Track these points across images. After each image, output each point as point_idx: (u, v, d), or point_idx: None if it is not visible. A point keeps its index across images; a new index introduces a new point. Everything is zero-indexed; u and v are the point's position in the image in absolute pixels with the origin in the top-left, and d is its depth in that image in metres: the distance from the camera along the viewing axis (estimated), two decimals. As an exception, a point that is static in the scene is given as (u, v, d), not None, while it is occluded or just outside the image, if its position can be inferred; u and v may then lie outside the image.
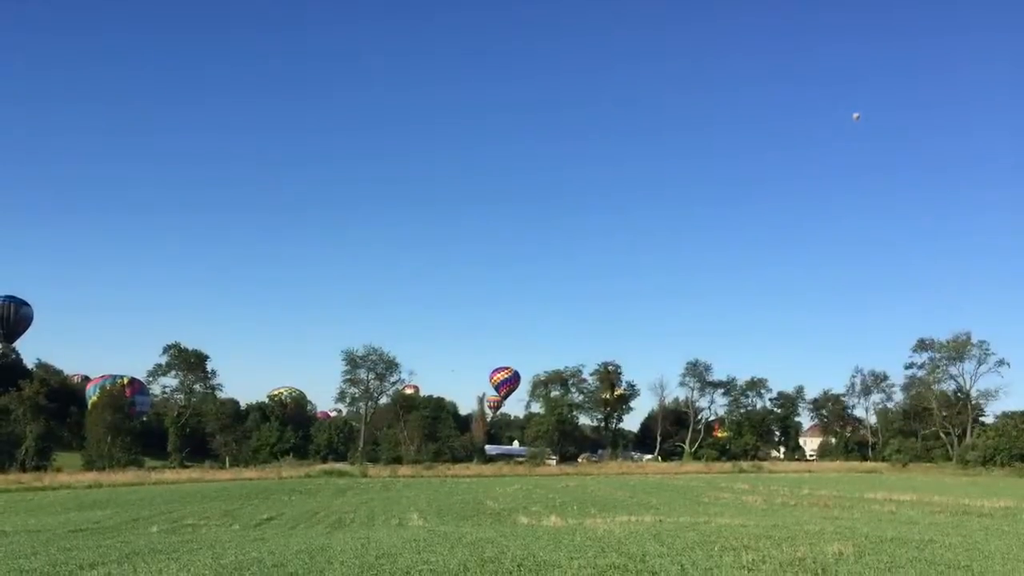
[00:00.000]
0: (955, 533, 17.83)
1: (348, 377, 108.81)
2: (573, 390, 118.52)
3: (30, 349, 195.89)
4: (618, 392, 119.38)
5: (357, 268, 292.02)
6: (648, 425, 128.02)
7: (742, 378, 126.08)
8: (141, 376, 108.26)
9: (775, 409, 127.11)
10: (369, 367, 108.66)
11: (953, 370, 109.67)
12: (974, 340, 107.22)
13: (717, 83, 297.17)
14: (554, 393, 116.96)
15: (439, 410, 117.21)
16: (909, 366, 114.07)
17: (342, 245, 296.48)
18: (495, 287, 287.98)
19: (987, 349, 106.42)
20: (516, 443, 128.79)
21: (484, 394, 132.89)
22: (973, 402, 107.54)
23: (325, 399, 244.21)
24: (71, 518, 33.21)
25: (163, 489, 56.97)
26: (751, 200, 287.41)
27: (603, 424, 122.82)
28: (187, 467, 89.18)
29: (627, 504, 34.43)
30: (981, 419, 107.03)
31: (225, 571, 11.65)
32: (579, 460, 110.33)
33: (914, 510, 27.85)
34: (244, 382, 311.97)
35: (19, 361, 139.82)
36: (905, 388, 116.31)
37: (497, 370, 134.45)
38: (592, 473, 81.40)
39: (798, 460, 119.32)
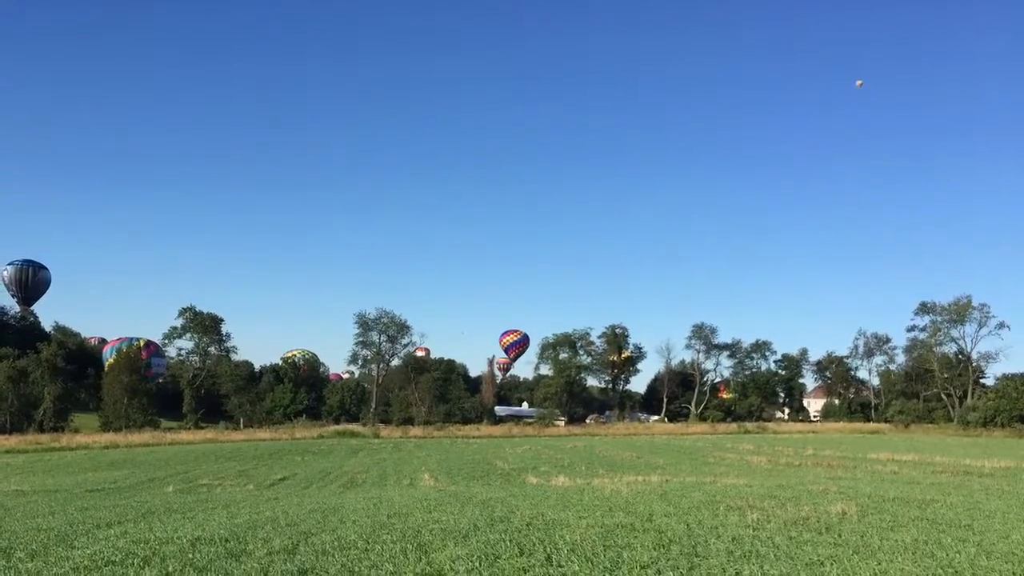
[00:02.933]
0: (956, 493, 17.80)
1: (360, 340, 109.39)
2: (581, 352, 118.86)
3: (48, 312, 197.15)
4: (625, 355, 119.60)
5: (370, 232, 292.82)
6: (655, 387, 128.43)
7: (747, 340, 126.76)
8: (157, 339, 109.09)
9: (779, 371, 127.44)
10: (381, 330, 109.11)
11: (954, 333, 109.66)
12: (975, 303, 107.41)
13: (720, 51, 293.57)
14: (562, 355, 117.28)
15: (449, 372, 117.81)
16: (911, 329, 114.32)
17: (355, 210, 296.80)
18: (505, 251, 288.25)
19: (988, 312, 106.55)
20: (525, 404, 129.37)
21: (494, 356, 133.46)
22: (974, 364, 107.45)
23: (338, 361, 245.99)
24: (88, 478, 33.57)
25: (178, 450, 57.52)
26: (755, 165, 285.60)
27: (610, 386, 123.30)
28: (202, 428, 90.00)
29: (634, 464, 34.57)
30: (982, 381, 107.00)
31: (239, 530, 11.70)
32: (587, 421, 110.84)
33: (916, 470, 27.85)
34: (258, 345, 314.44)
35: (37, 324, 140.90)
36: (907, 350, 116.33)
37: (507, 333, 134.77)
38: (600, 434, 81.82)
39: (802, 421, 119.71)
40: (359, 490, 25.20)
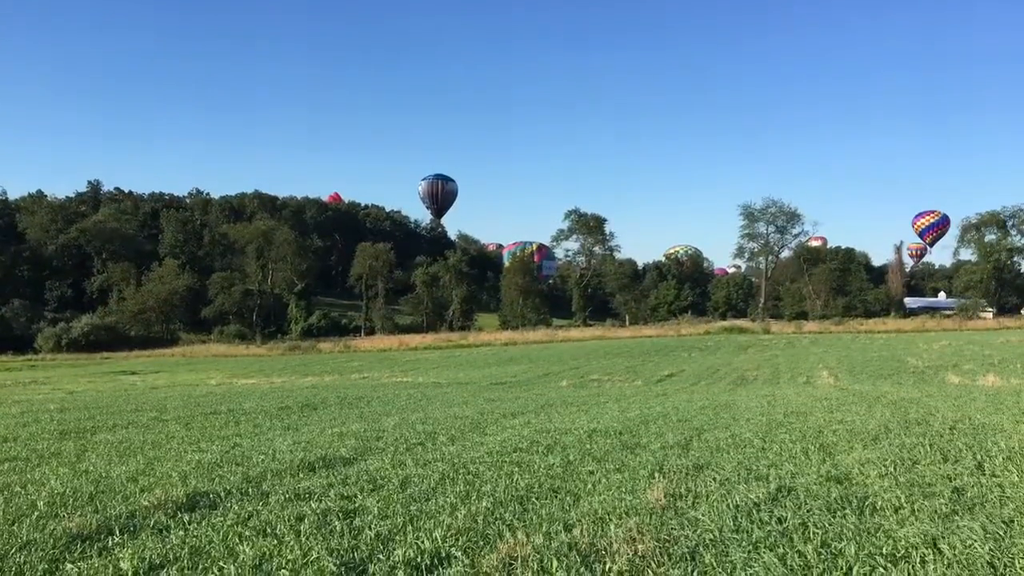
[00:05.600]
0: None
1: (746, 232, 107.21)
2: (1013, 232, 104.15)
3: (452, 222, 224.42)
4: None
5: (753, 116, 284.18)
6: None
7: None
8: (546, 241, 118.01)
9: None
10: (768, 220, 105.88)
11: None
12: None
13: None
14: (989, 237, 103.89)
15: (848, 262, 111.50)
16: None
17: (732, 95, 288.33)
18: (914, 121, 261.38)
19: None
20: (942, 295, 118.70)
21: (902, 242, 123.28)
22: None
23: (722, 255, 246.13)
24: (492, 372, 37.96)
25: (569, 346, 62.30)
26: None
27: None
28: (590, 325, 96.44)
29: (1091, 363, 29.87)
30: None
31: (632, 424, 12.35)
32: (1021, 312, 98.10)
33: None
34: (640, 242, 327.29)
35: (444, 233, 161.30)
36: None
37: (921, 215, 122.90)
38: (1040, 327, 71.84)
39: None
40: (750, 387, 25.16)
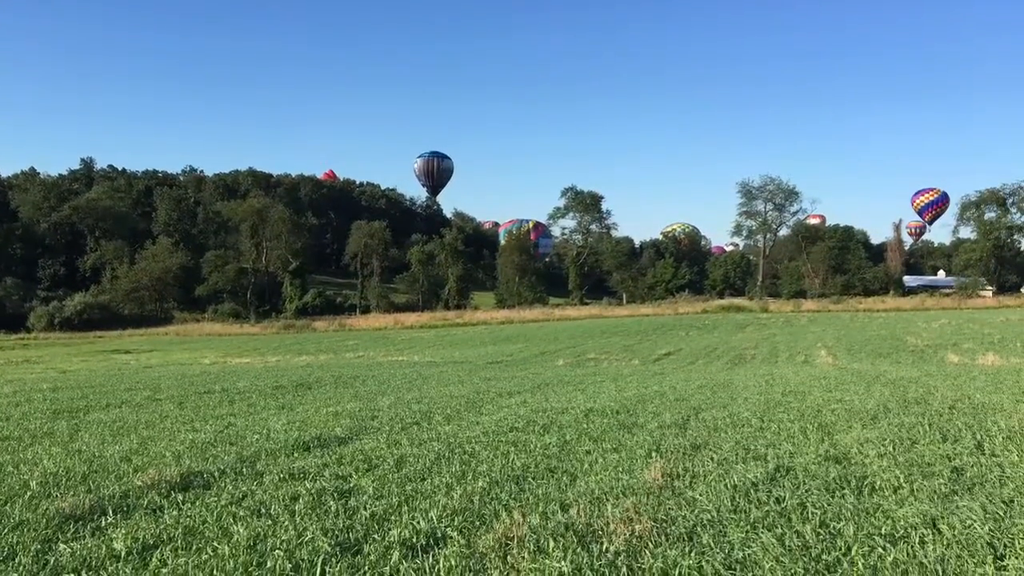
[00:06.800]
0: None
1: (744, 210, 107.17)
2: (1013, 210, 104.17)
3: (448, 200, 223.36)
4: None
5: (751, 93, 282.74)
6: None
7: None
8: (543, 219, 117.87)
9: None
10: (767, 198, 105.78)
11: None
12: None
13: None
14: (989, 215, 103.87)
15: (847, 240, 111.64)
16: None
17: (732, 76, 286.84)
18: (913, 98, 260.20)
19: None
20: (941, 273, 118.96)
21: (900, 220, 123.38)
22: None
23: (720, 233, 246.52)
24: (488, 351, 37.99)
25: (566, 325, 62.30)
26: None
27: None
28: (587, 304, 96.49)
29: (1090, 342, 29.94)
30: None
31: (629, 403, 12.36)
32: (1022, 291, 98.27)
33: None
34: (638, 220, 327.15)
35: (439, 211, 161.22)
36: None
37: (920, 192, 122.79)
38: (1040, 306, 71.94)
39: None
40: (748, 367, 25.22)
